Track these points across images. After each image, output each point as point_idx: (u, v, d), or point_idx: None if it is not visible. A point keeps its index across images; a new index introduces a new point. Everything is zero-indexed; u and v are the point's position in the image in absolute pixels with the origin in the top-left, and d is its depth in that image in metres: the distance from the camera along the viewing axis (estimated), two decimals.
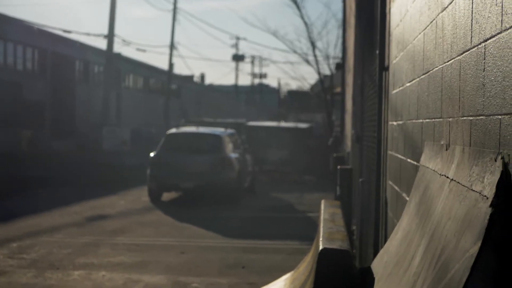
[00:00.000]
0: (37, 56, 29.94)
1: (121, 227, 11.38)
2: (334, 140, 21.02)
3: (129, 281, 7.53)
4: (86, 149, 30.23)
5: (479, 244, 1.90)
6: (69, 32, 39.62)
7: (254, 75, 72.23)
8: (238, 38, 65.84)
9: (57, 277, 7.66)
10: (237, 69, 67.11)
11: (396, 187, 4.90)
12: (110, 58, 32.15)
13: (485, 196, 2.10)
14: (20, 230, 10.77)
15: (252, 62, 72.16)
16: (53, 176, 19.65)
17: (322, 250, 3.99)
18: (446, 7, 3.11)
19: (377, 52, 6.18)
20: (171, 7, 40.08)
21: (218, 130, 16.75)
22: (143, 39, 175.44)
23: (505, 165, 2.05)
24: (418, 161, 3.80)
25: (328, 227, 4.68)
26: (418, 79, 3.98)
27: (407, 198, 4.03)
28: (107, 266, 8.28)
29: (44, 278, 7.61)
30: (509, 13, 2.10)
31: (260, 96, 76.22)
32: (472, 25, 2.59)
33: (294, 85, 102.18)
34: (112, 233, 10.72)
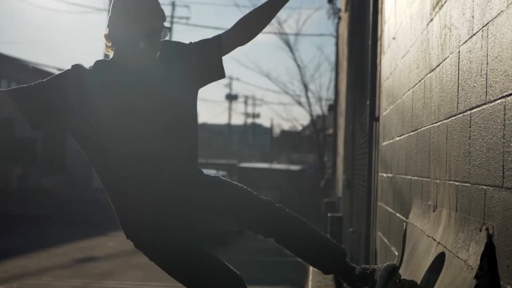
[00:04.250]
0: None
1: (109, 270, 11.30)
2: (326, 182, 21.04)
3: None
4: (76, 185, 30.16)
5: None
6: (62, 70, 39.66)
7: (247, 114, 72.47)
8: (231, 78, 66.13)
9: None
10: (230, 108, 67.38)
11: (385, 240, 4.91)
12: None
13: (470, 266, 2.13)
14: (7, 272, 10.68)
15: (245, 102, 72.48)
16: (42, 214, 19.56)
17: None
18: (434, 69, 3.16)
19: (368, 102, 6.23)
20: None
21: (210, 172, 16.75)
22: None
23: (489, 237, 2.07)
24: (406, 216, 3.82)
25: (317, 281, 4.69)
26: (407, 135, 4.02)
27: (396, 253, 4.04)
28: None
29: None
30: (493, 86, 2.14)
31: (252, 136, 76.41)
32: (458, 91, 2.63)
33: (286, 125, 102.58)
34: (100, 276, 10.64)
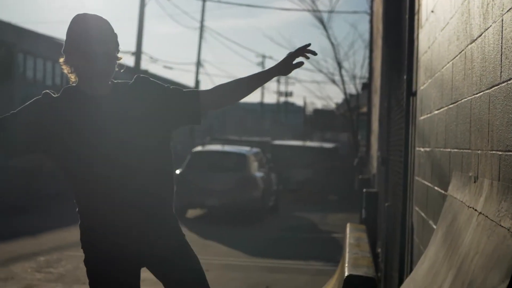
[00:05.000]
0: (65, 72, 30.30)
1: None
2: (360, 160, 20.99)
3: None
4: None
5: (507, 282, 1.93)
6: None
7: (279, 93, 72.40)
8: (264, 57, 66.08)
9: None
10: (263, 87, 67.33)
11: (422, 214, 4.91)
12: (138, 74, 32.44)
13: None
14: (47, 245, 10.90)
15: (278, 81, 72.32)
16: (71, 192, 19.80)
17: (347, 276, 4.01)
18: (475, 39, 3.14)
19: (405, 77, 6.20)
20: (197, 25, 40.43)
21: (244, 149, 16.84)
22: (170, 56, 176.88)
23: None
24: (445, 189, 3.82)
25: (354, 252, 4.71)
26: (446, 107, 4.00)
27: (434, 226, 4.06)
28: None
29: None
30: None
31: (285, 115, 76.32)
32: (501, 60, 2.62)
33: (319, 104, 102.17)
34: None
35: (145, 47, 38.61)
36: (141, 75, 3.29)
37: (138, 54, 31.84)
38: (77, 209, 3.16)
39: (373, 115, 17.29)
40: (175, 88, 3.28)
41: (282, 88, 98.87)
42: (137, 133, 3.09)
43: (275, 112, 73.39)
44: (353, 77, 34.22)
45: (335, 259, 10.11)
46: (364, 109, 25.93)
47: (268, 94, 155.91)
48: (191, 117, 3.25)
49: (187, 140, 38.13)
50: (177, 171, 15.74)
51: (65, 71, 3.15)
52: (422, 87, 5.31)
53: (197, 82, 40.96)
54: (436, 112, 4.45)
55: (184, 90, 3.29)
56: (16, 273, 8.70)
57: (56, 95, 3.14)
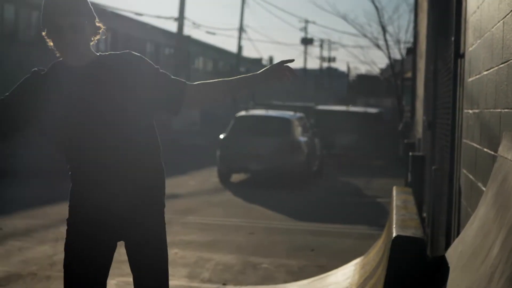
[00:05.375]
0: (109, 38, 30.55)
1: (191, 207, 11.62)
2: (404, 126, 20.83)
3: (201, 259, 7.72)
4: (156, 128, 30.70)
5: None
6: (140, 14, 40.21)
7: (322, 58, 71.86)
8: (307, 21, 65.56)
9: None
10: (305, 52, 66.97)
11: (470, 176, 4.88)
12: (180, 40, 32.52)
13: None
14: None
15: (321, 46, 71.81)
16: None
17: (395, 237, 4.02)
18: None
19: (453, 38, 6.12)
20: None
21: (287, 113, 16.83)
22: (212, 22, 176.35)
23: None
24: (495, 150, 3.79)
25: (401, 214, 4.71)
26: (496, 68, 3.96)
27: (483, 188, 4.03)
28: (179, 244, 8.49)
29: (118, 254, 7.81)
30: None
31: (328, 80, 75.84)
32: None
33: (363, 69, 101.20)
34: (183, 212, 10.95)
35: (187, 13, 38.64)
36: (134, 52, 3.29)
37: (180, 19, 31.89)
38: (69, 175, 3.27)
39: (418, 80, 17.10)
40: (165, 73, 3.29)
41: (325, 53, 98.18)
42: (116, 104, 3.15)
43: (318, 78, 72.97)
44: (398, 42, 33.74)
45: (380, 223, 10.13)
46: (409, 74, 25.64)
47: (311, 59, 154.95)
48: (171, 105, 3.29)
49: (229, 105, 38.22)
50: (221, 136, 15.84)
51: (49, 44, 3.20)
52: (470, 49, 5.24)
53: (240, 48, 40.88)
54: (485, 73, 4.39)
55: (173, 77, 3.31)
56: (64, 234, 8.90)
57: (44, 72, 3.24)
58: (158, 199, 3.32)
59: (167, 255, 3.34)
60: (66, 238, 3.25)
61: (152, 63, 3.30)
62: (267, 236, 9.32)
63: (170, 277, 6.79)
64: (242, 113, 17.12)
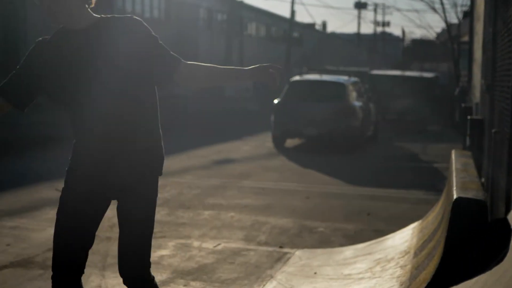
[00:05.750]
0: (163, 4, 30.65)
1: (246, 171, 11.69)
2: (461, 90, 20.47)
3: (257, 222, 7.78)
4: (209, 94, 30.88)
5: None
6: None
7: (376, 23, 70.83)
8: None
9: (188, 216, 8.02)
10: (359, 17, 66.09)
11: None
12: (233, 6, 32.42)
13: None
14: None
15: (375, 10, 70.81)
16: (177, 121, 20.29)
17: (456, 199, 3.99)
18: None
19: None
20: None
21: (342, 78, 16.70)
22: None
23: None
24: None
25: (461, 177, 4.67)
26: None
27: None
28: (235, 207, 8.57)
29: (176, 217, 7.97)
30: None
31: (382, 45, 74.83)
32: None
33: (418, 33, 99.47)
34: (238, 176, 11.03)
35: None
36: (136, 17, 3.36)
37: None
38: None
39: (475, 44, 16.73)
40: (163, 46, 3.36)
41: (379, 18, 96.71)
42: (113, 68, 3.23)
43: (371, 43, 72.07)
44: (454, 5, 33.14)
45: (437, 188, 10.04)
46: (465, 38, 25.11)
47: (365, 24, 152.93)
48: (160, 78, 3.36)
49: (283, 70, 38.07)
50: (275, 101, 15.82)
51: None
52: None
53: (293, 13, 40.56)
54: None
55: (171, 52, 3.37)
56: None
57: (48, 39, 3.36)
58: (154, 165, 3.42)
59: (153, 221, 3.45)
60: (63, 189, 3.39)
61: (152, 32, 3.36)
62: (323, 200, 9.34)
63: (226, 240, 6.88)
64: (296, 78, 17.05)
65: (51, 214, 7.95)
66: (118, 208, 3.39)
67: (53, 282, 3.41)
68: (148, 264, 3.43)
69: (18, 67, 3.37)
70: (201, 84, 3.53)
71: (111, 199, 3.41)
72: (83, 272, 3.46)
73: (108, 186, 3.33)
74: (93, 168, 3.31)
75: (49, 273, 5.67)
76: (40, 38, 3.38)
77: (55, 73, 3.28)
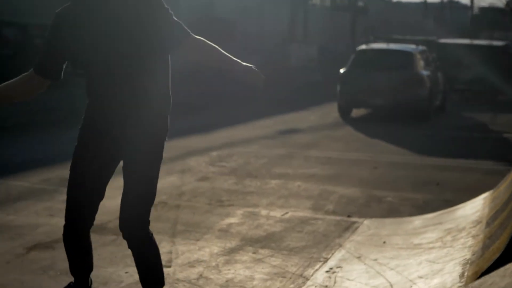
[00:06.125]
0: None
1: (312, 141, 11.66)
2: None
3: (324, 191, 7.77)
4: (273, 65, 30.80)
5: None
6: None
7: None
8: None
9: (256, 185, 8.06)
10: None
11: None
12: None
13: None
14: (218, 141, 11.36)
15: None
16: (241, 91, 20.32)
17: None
18: None
19: None
20: None
21: (409, 47, 16.42)
22: None
23: None
24: None
25: None
26: None
27: None
28: (301, 177, 8.57)
29: (243, 186, 8.03)
30: None
31: (449, 13, 73.16)
32: None
33: (487, 1, 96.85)
34: (304, 146, 11.02)
35: None
36: None
37: None
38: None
39: None
40: (173, 18, 3.48)
41: None
42: (126, 32, 3.41)
43: (439, 11, 70.52)
44: None
45: (507, 158, 9.85)
46: None
47: None
48: (170, 45, 3.49)
49: (348, 40, 37.72)
50: (341, 70, 15.69)
51: None
52: None
53: None
54: None
55: (181, 24, 3.50)
56: (192, 166, 9.18)
57: (66, 7, 3.51)
58: (161, 131, 3.59)
59: (156, 183, 3.61)
60: (75, 146, 3.59)
61: (164, 4, 3.48)
62: (390, 170, 9.25)
63: (294, 209, 6.90)
64: (363, 47, 16.85)
65: (121, 182, 8.12)
66: (123, 167, 3.57)
67: (64, 231, 3.71)
68: (146, 221, 3.59)
69: (44, 41, 3.55)
70: (202, 60, 3.66)
71: (119, 159, 3.59)
72: (92, 224, 3.72)
73: (116, 146, 3.53)
74: (103, 128, 3.53)
75: (122, 238, 5.81)
76: (59, 9, 3.52)
77: (75, 38, 3.44)
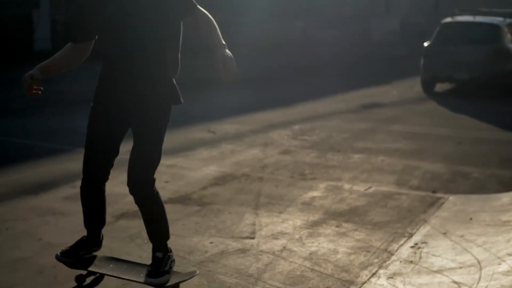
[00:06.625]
0: None
1: (395, 115, 11.49)
2: None
3: (408, 166, 7.66)
4: (354, 39, 30.43)
5: None
6: None
7: None
8: None
9: (338, 159, 8.02)
10: None
11: None
12: None
13: None
14: (300, 115, 11.33)
15: None
16: (323, 65, 20.21)
17: None
18: None
19: None
20: None
21: (496, 19, 15.89)
22: None
23: None
24: None
25: None
26: None
27: None
28: (384, 151, 8.47)
29: (326, 159, 8.00)
30: None
31: None
32: None
33: None
34: (386, 121, 10.87)
35: None
36: None
37: None
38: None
39: None
40: None
41: None
42: (138, 8, 3.70)
43: None
44: None
45: None
46: None
47: None
48: (178, 15, 3.79)
49: (431, 13, 36.87)
50: (425, 44, 15.35)
51: None
52: None
53: None
54: None
55: None
56: (274, 139, 9.19)
57: None
58: (168, 97, 3.86)
59: (161, 145, 3.90)
60: (91, 107, 3.94)
61: None
62: (476, 146, 9.04)
63: (377, 183, 6.84)
64: (448, 20, 16.42)
65: (204, 154, 8.22)
66: (132, 129, 3.88)
67: (81, 185, 4.06)
68: (151, 180, 3.87)
69: (71, 16, 3.91)
70: (199, 32, 3.80)
71: (129, 121, 3.87)
72: (106, 179, 4.08)
73: (125, 108, 3.84)
74: (114, 91, 3.84)
75: (206, 209, 5.89)
76: None
77: (95, 7, 3.77)
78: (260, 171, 7.32)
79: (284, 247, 4.93)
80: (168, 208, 5.84)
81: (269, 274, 4.41)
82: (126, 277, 4.05)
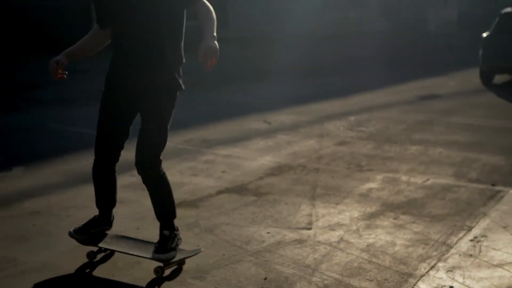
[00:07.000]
0: None
1: (453, 107, 11.31)
2: None
3: (466, 159, 7.54)
4: (410, 30, 30.06)
5: None
6: None
7: None
8: None
9: (395, 150, 7.94)
10: None
11: None
12: None
13: None
14: (356, 105, 11.26)
15: None
16: (379, 56, 20.02)
17: None
18: None
19: None
20: None
21: None
22: None
23: None
24: None
25: None
26: None
27: None
28: (442, 143, 8.36)
29: (382, 151, 7.93)
30: None
31: None
32: None
33: None
34: (444, 112, 10.72)
35: None
36: None
37: None
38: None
39: None
40: None
41: None
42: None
43: None
44: None
45: None
46: None
47: None
48: (181, 6, 4.03)
49: (486, 4, 36.15)
50: (484, 35, 15.06)
51: None
52: None
53: None
54: None
55: None
56: (330, 130, 9.15)
57: None
58: (173, 82, 4.06)
59: (166, 128, 4.08)
60: (102, 92, 4.20)
61: None
62: None
63: (435, 175, 6.76)
64: (508, 9, 16.07)
65: (261, 144, 8.23)
66: (140, 113, 4.11)
67: (93, 165, 4.28)
68: (158, 161, 4.08)
69: (94, 2, 4.17)
70: (198, 22, 3.95)
71: (136, 105, 4.11)
72: (117, 160, 4.29)
73: (132, 94, 4.08)
74: (122, 78, 4.08)
75: (262, 199, 5.90)
76: None
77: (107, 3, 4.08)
78: (316, 162, 7.30)
79: (341, 239, 4.92)
80: (225, 198, 5.92)
81: (326, 265, 4.40)
82: (135, 253, 4.24)
